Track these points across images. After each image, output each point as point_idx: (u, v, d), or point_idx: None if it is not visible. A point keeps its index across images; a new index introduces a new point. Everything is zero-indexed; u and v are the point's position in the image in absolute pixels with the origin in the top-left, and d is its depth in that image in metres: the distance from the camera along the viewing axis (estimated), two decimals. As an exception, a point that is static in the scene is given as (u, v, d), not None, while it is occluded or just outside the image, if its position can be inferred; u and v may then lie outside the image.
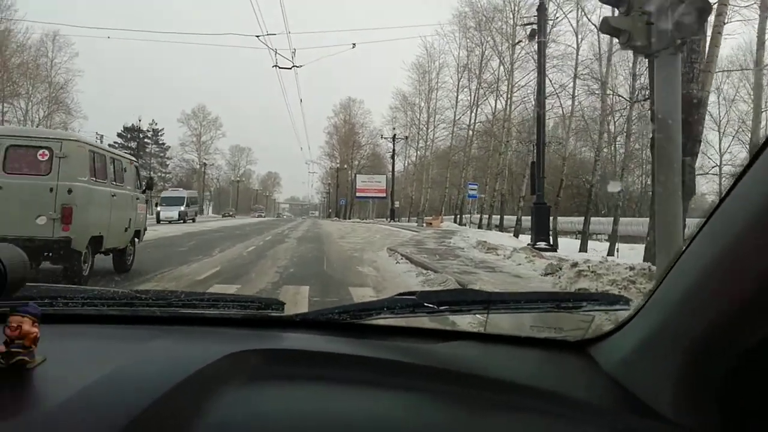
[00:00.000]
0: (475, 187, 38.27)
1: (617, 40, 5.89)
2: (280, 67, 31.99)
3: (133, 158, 13.20)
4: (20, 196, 8.49)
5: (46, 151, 8.62)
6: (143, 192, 12.12)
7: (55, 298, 1.43)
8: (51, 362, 0.98)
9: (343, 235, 28.69)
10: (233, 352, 1.08)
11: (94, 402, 0.85)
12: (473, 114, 45.58)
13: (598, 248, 26.78)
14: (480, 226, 41.09)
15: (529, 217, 40.79)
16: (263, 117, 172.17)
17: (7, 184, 8.46)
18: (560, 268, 11.83)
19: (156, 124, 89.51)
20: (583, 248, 25.90)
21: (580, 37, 29.87)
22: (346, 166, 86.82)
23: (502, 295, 1.64)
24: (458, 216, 47.77)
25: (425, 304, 1.40)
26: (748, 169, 0.74)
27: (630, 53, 26.33)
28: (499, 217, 39.70)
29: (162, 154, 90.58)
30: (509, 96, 37.70)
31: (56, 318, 1.29)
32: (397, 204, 61.31)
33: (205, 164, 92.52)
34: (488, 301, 1.47)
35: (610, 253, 23.93)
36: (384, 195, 69.75)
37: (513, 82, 37.55)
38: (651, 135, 9.55)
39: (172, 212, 43.12)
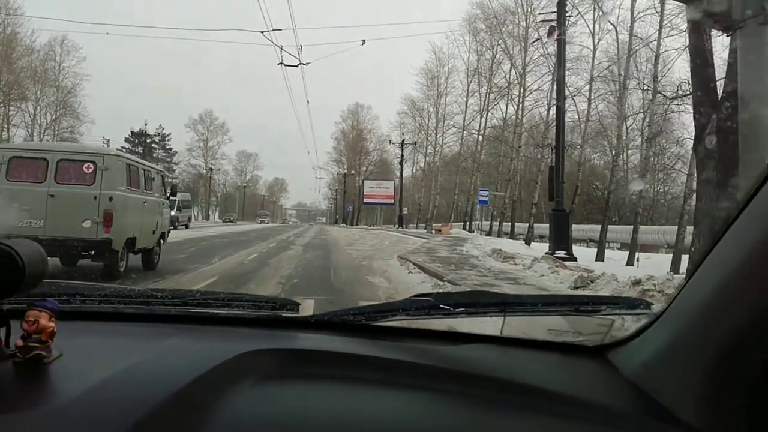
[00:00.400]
0: (486, 193, 37.20)
1: (637, 38, 4.77)
2: (285, 65, 29.64)
3: (160, 168, 14.82)
4: (69, 202, 9.61)
5: (91, 164, 9.80)
6: (168, 198, 13.44)
7: (72, 295, 1.43)
8: (67, 357, 0.99)
9: (351, 242, 27.62)
10: (247, 350, 1.07)
11: (108, 397, 0.85)
12: (483, 119, 44.51)
13: (614, 257, 25.64)
14: (490, 234, 39.99)
15: (541, 225, 40.68)
16: (270, 122, 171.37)
17: (58, 192, 9.61)
18: (591, 281, 10.75)
19: (163, 129, 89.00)
20: (600, 257, 24.70)
21: (596, 37, 28.65)
22: (353, 172, 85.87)
23: (519, 297, 1.52)
24: (467, 223, 46.66)
25: (441, 306, 1.37)
26: None
27: (650, 50, 25.63)
28: (509, 224, 38.65)
29: (169, 159, 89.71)
30: (521, 100, 36.57)
31: (73, 315, 1.29)
32: (405, 210, 60.27)
33: (211, 169, 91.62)
34: (505, 304, 1.44)
35: (630, 262, 22.80)
36: (392, 201, 68.59)
37: (525, 85, 36.41)
38: (696, 134, 8.57)
39: None
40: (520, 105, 36.55)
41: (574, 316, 1.49)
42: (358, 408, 0.96)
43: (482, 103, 44.45)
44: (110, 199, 9.77)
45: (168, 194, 13.54)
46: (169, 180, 16.03)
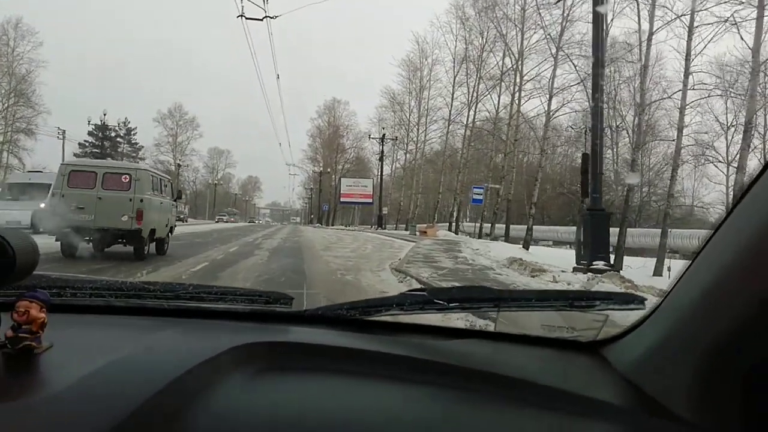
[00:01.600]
0: (481, 191, 32.96)
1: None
2: (247, 18, 23.23)
3: (169, 176, 18.23)
4: (111, 203, 12.94)
5: (127, 176, 13.33)
6: (175, 200, 16.48)
7: (63, 288, 1.41)
8: (57, 349, 0.98)
9: (328, 246, 23.22)
10: (239, 344, 1.06)
11: (98, 389, 0.85)
12: (472, 111, 40.35)
13: (631, 264, 21.71)
14: (480, 236, 35.88)
15: (540, 227, 36.96)
16: (242, 115, 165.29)
17: (104, 195, 13.01)
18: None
19: (129, 122, 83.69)
20: (618, 264, 20.68)
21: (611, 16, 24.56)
22: (329, 170, 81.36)
23: (513, 292, 1.54)
24: (452, 224, 42.49)
25: (435, 300, 1.36)
26: (763, 173, 0.74)
27: (676, 29, 21.84)
28: (497, 226, 34.67)
29: (134, 155, 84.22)
30: (519, 88, 32.44)
31: (64, 308, 1.28)
32: (385, 210, 55.75)
33: (179, 165, 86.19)
34: (499, 299, 1.42)
35: (658, 272, 18.91)
36: (370, 200, 63.85)
37: (522, 72, 32.32)
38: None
39: (16, 213, 21.12)
40: (518, 93, 32.37)
41: (568, 311, 1.45)
42: (352, 402, 0.96)
43: (470, 94, 40.34)
44: (141, 200, 13.02)
45: (175, 197, 16.54)
46: (177, 186, 18.64)
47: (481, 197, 32.78)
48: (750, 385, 0.77)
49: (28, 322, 0.94)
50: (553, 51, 28.20)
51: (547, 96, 28.98)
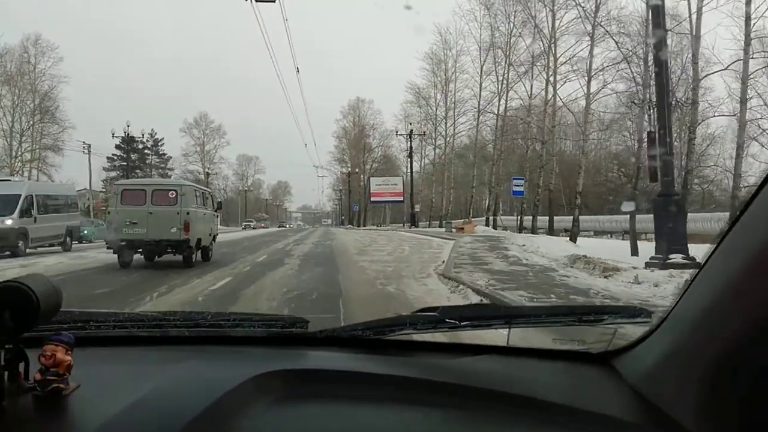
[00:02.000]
0: (521, 182, 30.89)
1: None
2: (257, 0, 20.97)
3: (210, 189, 22.04)
4: (161, 217, 14.12)
5: (174, 192, 14.57)
6: (215, 210, 17.94)
7: (87, 321, 1.43)
8: (85, 387, 1.00)
9: (363, 249, 21.70)
10: (260, 372, 1.08)
11: (128, 427, 0.86)
12: (503, 100, 38.37)
13: (699, 254, 19.57)
14: (520, 230, 33.94)
15: (589, 218, 34.55)
16: (268, 123, 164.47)
17: (154, 210, 14.11)
18: None
19: (155, 133, 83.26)
20: (635, 252, 18.55)
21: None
22: (357, 170, 79.79)
23: (523, 309, 1.56)
24: (488, 219, 40.55)
25: (447, 319, 1.37)
26: (767, 181, 0.74)
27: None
28: (542, 218, 32.72)
29: (163, 165, 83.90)
30: (553, 72, 30.38)
31: (88, 341, 1.29)
32: (417, 208, 53.88)
33: (208, 174, 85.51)
34: (509, 316, 1.45)
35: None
36: (401, 199, 61.92)
37: (556, 54, 30.26)
38: None
39: None
40: (552, 78, 30.32)
41: (578, 325, 1.46)
42: (371, 424, 0.97)
43: (501, 81, 38.36)
44: (187, 213, 14.34)
45: (215, 208, 17.75)
46: (217, 198, 19.95)
47: (522, 189, 30.74)
48: (758, 396, 0.76)
49: (55, 365, 0.96)
50: (589, 29, 26.19)
51: (585, 78, 26.97)
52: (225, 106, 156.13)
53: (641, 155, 21.75)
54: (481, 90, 42.33)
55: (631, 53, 23.44)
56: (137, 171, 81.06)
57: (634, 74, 23.07)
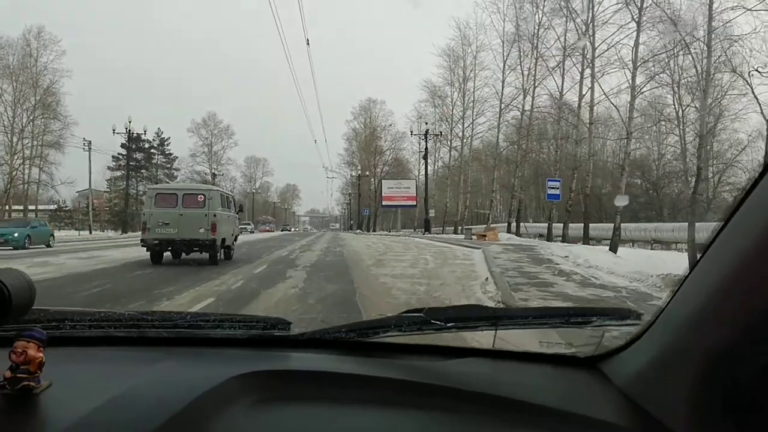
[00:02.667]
0: (557, 184, 27.61)
1: None
2: None
3: (231, 193, 23.65)
4: (191, 218, 15.20)
5: (202, 196, 15.78)
6: (237, 213, 19.13)
7: (62, 320, 1.38)
8: (57, 386, 0.96)
9: (380, 259, 18.43)
10: (240, 373, 1.06)
11: (99, 427, 0.83)
12: (529, 96, 35.14)
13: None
14: (549, 237, 30.68)
15: (605, 226, 31.39)
16: (277, 124, 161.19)
17: (185, 212, 15.22)
18: None
19: (162, 132, 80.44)
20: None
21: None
22: (368, 173, 76.66)
23: (510, 310, 1.58)
24: (510, 225, 37.29)
25: (432, 321, 1.33)
26: (759, 180, 0.73)
27: None
28: (555, 225, 29.61)
29: (169, 165, 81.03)
30: (590, 63, 27.12)
31: (63, 341, 1.25)
32: (432, 213, 50.63)
33: (215, 174, 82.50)
34: (496, 317, 1.42)
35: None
36: (414, 203, 58.76)
37: (594, 44, 27.02)
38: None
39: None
40: (590, 68, 27.05)
41: (566, 328, 1.43)
42: (353, 427, 0.95)
43: (527, 76, 35.15)
44: (214, 215, 15.42)
45: (237, 211, 19.18)
46: (239, 201, 22.19)
47: (557, 192, 27.41)
48: (748, 398, 0.76)
49: (26, 362, 0.92)
50: (635, 13, 22.99)
51: (627, 69, 23.75)
52: (234, 107, 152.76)
53: (702, 155, 18.49)
54: (503, 86, 39.21)
55: (691, 38, 20.15)
56: (143, 171, 78.30)
57: (695, 61, 19.79)
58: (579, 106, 28.02)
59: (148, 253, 15.50)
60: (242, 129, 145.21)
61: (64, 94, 51.42)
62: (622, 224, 22.65)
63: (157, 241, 15.28)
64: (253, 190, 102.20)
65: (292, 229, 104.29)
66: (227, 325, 1.45)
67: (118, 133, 47.09)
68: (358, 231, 71.54)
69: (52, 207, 62.49)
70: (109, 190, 74.81)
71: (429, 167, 56.34)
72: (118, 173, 77.81)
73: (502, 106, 39.06)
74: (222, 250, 16.37)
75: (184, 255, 15.93)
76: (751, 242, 0.72)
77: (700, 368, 0.80)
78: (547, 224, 32.77)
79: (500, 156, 41.01)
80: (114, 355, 1.29)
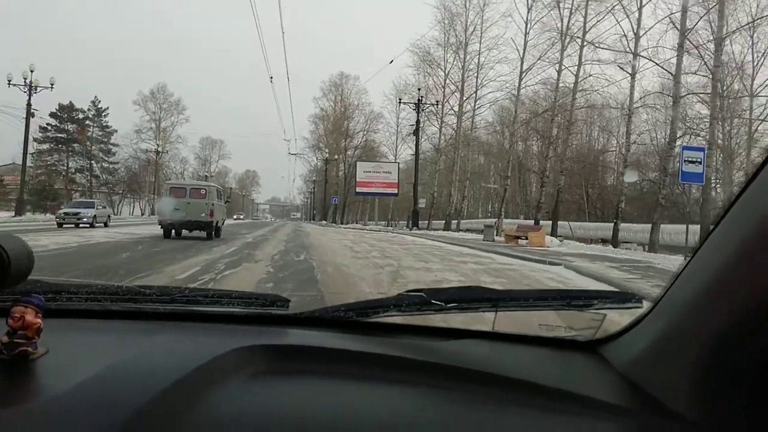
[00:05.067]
0: (700, 154, 16.59)
1: None
2: None
3: (222, 187, 32.75)
4: (195, 205, 19.42)
5: (204, 190, 20.54)
6: (225, 202, 24.90)
7: (59, 292, 1.36)
8: (54, 354, 0.95)
9: (370, 271, 7.86)
10: (238, 347, 1.04)
11: (95, 394, 0.82)
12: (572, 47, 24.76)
13: None
14: (615, 242, 20.37)
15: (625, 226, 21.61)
16: (235, 102, 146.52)
17: (190, 201, 19.52)
18: None
19: (99, 102, 67.86)
20: None
21: None
22: (337, 157, 65.64)
23: (511, 292, 1.49)
24: (537, 221, 26.91)
25: (433, 301, 1.31)
26: (762, 168, 0.73)
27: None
28: (590, 223, 19.40)
29: (105, 140, 68.44)
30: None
31: (60, 313, 1.25)
32: (422, 203, 39.44)
33: (158, 152, 70.16)
34: (497, 299, 1.38)
35: None
36: (394, 191, 47.53)
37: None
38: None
39: None
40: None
41: (566, 311, 1.41)
42: (349, 404, 0.93)
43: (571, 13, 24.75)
44: (212, 204, 19.81)
45: (225, 200, 25.03)
46: (227, 192, 32.44)
47: (701, 169, 16.24)
48: (749, 380, 0.76)
49: (24, 328, 0.91)
50: None
51: None
52: (185, 78, 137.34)
53: None
54: (526, 37, 28.76)
55: None
56: (74, 145, 66.19)
57: None
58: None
59: (162, 229, 19.97)
60: (195, 106, 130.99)
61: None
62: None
63: (170, 222, 19.66)
64: (206, 173, 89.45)
65: (241, 218, 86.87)
66: (225, 301, 1.44)
67: (14, 85, 34.21)
68: (324, 222, 60.34)
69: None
70: (33, 165, 61.93)
71: (410, 150, 45.69)
72: (46, 146, 65.46)
73: (523, 69, 28.58)
74: (215, 229, 20.45)
75: (186, 232, 20.11)
76: (751, 229, 0.72)
77: (702, 352, 0.80)
78: (596, 223, 22.66)
79: (524, 128, 30.58)
80: (110, 327, 1.26)
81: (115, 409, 0.76)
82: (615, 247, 20.77)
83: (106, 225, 29.06)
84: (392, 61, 56.63)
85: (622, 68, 22.75)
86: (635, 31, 22.03)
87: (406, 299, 1.33)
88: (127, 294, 1.44)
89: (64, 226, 25.81)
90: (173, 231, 19.90)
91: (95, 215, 28.23)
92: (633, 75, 22.37)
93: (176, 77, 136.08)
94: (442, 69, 39.25)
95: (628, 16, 22.38)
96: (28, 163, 58.61)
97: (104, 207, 32.29)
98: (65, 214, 27.41)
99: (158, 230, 20.28)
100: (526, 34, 29.29)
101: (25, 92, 34.79)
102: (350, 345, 1.14)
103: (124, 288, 1.48)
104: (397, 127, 53.05)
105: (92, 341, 1.14)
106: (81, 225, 26.44)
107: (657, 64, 21.26)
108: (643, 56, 21.48)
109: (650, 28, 22.26)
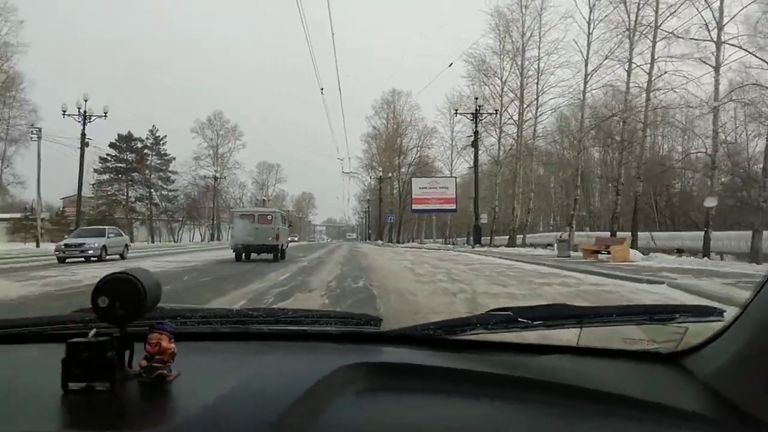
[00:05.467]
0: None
1: None
2: None
3: (286, 212, 40.17)
4: (263, 230, 21.72)
5: (270, 216, 22.93)
6: (288, 226, 27.09)
7: (174, 317, 1.42)
8: (185, 376, 1.02)
9: (437, 301, 6.03)
10: (344, 364, 1.09)
11: (228, 414, 0.88)
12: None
13: None
14: (706, 252, 18.11)
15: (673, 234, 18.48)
16: (290, 125, 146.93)
17: (260, 227, 21.77)
18: None
19: (157, 130, 68.85)
20: None
21: None
22: (390, 174, 64.33)
23: (596, 309, 1.47)
24: (614, 233, 24.65)
25: (519, 319, 1.33)
26: None
27: None
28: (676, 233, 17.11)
29: (164, 167, 69.27)
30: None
31: (181, 336, 1.26)
32: (484, 219, 37.46)
33: (216, 178, 70.45)
34: (582, 315, 1.38)
35: None
36: (453, 207, 45.68)
37: None
38: None
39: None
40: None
41: (649, 324, 1.40)
42: (447, 418, 0.95)
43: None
44: (277, 229, 22.18)
45: (288, 225, 27.29)
46: (289, 218, 34.32)
47: None
48: None
49: (160, 353, 0.99)
50: None
51: None
52: (241, 105, 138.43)
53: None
54: (590, 38, 26.76)
55: None
56: (134, 174, 67.18)
57: None
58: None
59: (234, 253, 21.86)
60: (252, 131, 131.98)
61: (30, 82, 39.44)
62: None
63: (240, 245, 21.53)
64: (264, 197, 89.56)
65: (295, 240, 79.04)
66: (324, 321, 1.51)
67: (69, 116, 34.14)
68: (380, 242, 58.89)
69: (8, 216, 50.71)
70: (93, 196, 62.95)
71: (466, 164, 43.87)
72: (106, 176, 66.62)
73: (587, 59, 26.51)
74: (280, 251, 22.16)
75: (255, 255, 21.80)
76: None
77: None
78: (669, 232, 20.34)
79: (590, 134, 28.46)
80: (223, 348, 1.35)
81: (250, 426, 0.83)
82: (706, 257, 18.49)
83: (122, 257, 24.31)
84: (451, 64, 54.23)
85: (703, 62, 20.54)
86: (718, 18, 19.84)
87: (493, 317, 1.35)
88: (235, 317, 1.53)
89: (68, 260, 21.44)
90: (243, 254, 21.56)
91: (104, 246, 22.90)
92: (717, 68, 20.13)
93: (231, 104, 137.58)
94: (498, 77, 37.40)
95: (709, 5, 20.20)
96: (89, 193, 59.98)
97: (119, 235, 26.26)
98: (66, 246, 22.29)
99: (209, 257, 22.25)
100: (589, 34, 27.31)
101: (79, 122, 34.78)
102: (441, 362, 1.16)
103: (233, 311, 1.61)
104: (452, 140, 51.40)
105: (211, 363, 1.21)
106: (92, 258, 21.98)
107: (750, 53, 19.00)
108: (732, 44, 19.28)
109: (737, 13, 20.01)
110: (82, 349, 0.94)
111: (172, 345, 1.00)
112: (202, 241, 72.17)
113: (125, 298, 0.94)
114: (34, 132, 37.50)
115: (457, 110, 39.63)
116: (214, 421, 0.84)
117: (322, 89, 38.16)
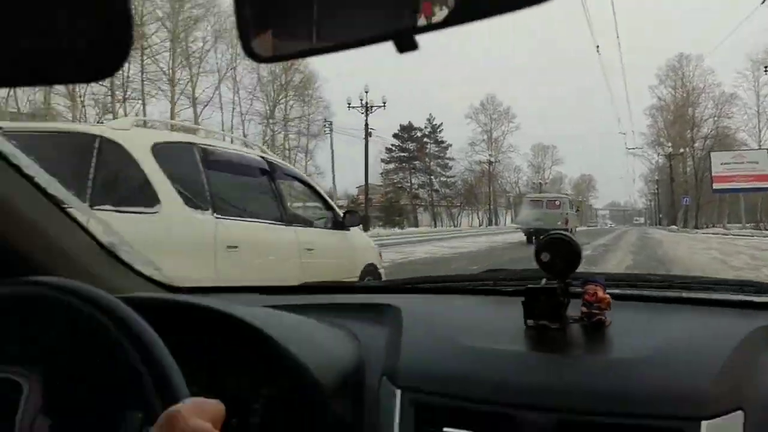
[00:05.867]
0: None
1: None
2: None
3: (571, 197, 43.20)
4: (551, 215, 23.02)
5: (558, 201, 25.08)
6: (576, 211, 28.93)
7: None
8: (616, 324, 1.10)
9: None
10: (759, 326, 1.09)
11: (670, 358, 0.98)
12: None
13: None
14: None
15: None
16: (564, 98, 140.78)
17: (548, 212, 23.35)
18: None
19: (434, 119, 71.19)
20: None
21: None
22: (682, 150, 57.22)
23: None
24: None
25: None
26: None
27: None
28: None
29: (442, 155, 71.46)
30: None
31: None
32: None
33: (491, 162, 70.55)
34: None
35: None
36: (766, 184, 38.89)
37: None
38: None
39: None
40: None
41: None
42: None
43: None
44: (566, 213, 23.85)
45: (576, 209, 29.52)
46: (575, 202, 35.64)
47: None
48: None
49: (597, 301, 1.09)
50: None
51: None
52: (511, 86, 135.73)
53: None
54: None
55: None
56: (415, 162, 70.63)
57: None
58: None
59: (525, 236, 24.00)
60: (524, 113, 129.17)
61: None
62: None
63: (531, 229, 22.67)
64: (540, 181, 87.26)
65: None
66: (718, 288, 1.49)
67: (354, 107, 36.88)
68: (674, 228, 52.69)
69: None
70: (381, 184, 67.71)
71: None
72: (392, 165, 71.22)
73: None
74: None
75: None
76: None
77: None
78: None
79: None
80: (648, 308, 1.34)
81: (695, 376, 0.91)
82: None
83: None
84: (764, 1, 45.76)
85: None
86: None
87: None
88: (656, 281, 1.57)
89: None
90: (533, 237, 22.35)
91: None
92: None
93: (500, 86, 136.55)
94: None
95: None
96: (379, 182, 64.66)
97: None
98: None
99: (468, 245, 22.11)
100: None
101: (362, 113, 37.27)
102: None
103: (659, 277, 1.71)
104: (758, 106, 43.50)
105: (636, 318, 1.23)
106: None
107: None
108: None
109: None
110: (540, 294, 1.10)
111: (607, 296, 1.10)
112: (480, 225, 73.00)
113: (564, 255, 1.08)
114: (326, 126, 41.19)
115: (767, 67, 32.98)
116: (664, 359, 0.95)
117: (597, 47, 34.87)
